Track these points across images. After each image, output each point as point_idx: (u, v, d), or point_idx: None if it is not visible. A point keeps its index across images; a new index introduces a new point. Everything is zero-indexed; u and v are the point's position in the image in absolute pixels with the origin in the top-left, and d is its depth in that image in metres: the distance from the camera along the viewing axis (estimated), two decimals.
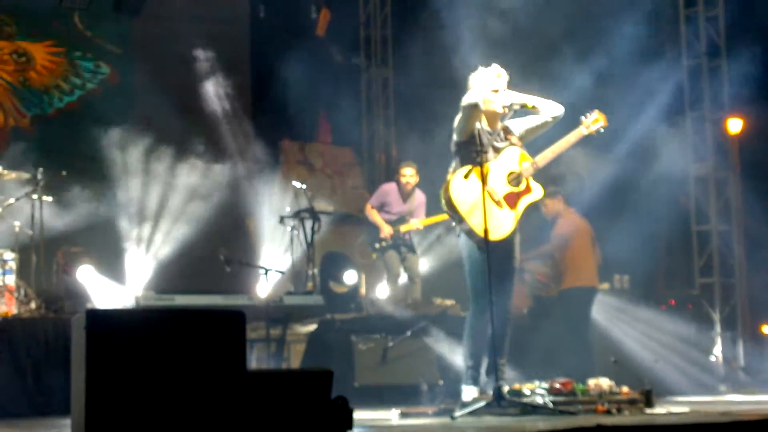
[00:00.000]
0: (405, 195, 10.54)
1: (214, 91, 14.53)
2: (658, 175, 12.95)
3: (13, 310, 8.69)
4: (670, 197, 13.09)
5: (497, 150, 7.02)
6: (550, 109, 7.16)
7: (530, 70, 7.68)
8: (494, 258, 6.74)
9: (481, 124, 7.04)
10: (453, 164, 7.14)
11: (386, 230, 10.33)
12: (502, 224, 6.87)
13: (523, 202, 7.03)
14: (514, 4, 12.40)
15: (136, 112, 14.28)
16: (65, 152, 12.16)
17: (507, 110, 6.96)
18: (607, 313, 10.60)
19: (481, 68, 7.08)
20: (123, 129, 13.55)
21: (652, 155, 13.04)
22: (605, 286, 10.75)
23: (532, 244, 10.13)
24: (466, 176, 6.81)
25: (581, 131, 7.24)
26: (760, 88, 12.70)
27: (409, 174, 10.55)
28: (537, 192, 7.15)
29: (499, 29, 12.25)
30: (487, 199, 6.80)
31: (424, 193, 10.60)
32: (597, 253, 10.41)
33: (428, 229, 10.97)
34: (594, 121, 7.26)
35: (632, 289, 11.16)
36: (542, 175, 7.32)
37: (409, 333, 9.24)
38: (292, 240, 11.03)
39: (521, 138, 7.15)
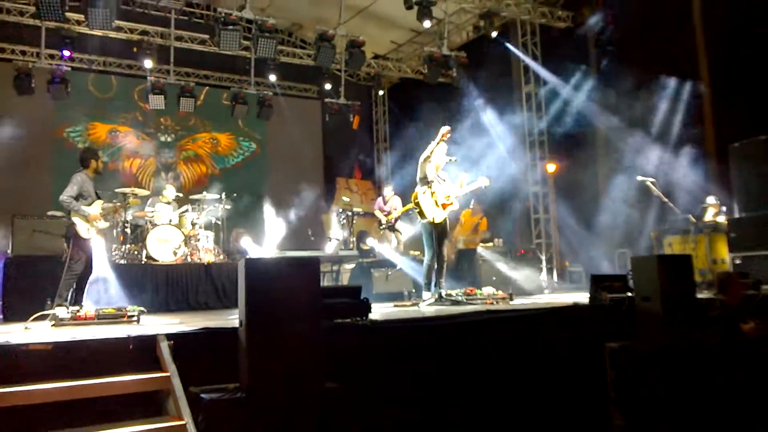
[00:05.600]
0: (387, 201, 10.45)
1: (305, 153, 14.78)
2: (516, 192, 12.93)
3: (212, 259, 8.71)
4: (522, 203, 13.06)
5: (440, 183, 7.03)
6: (471, 187, 7.03)
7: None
8: (437, 231, 6.79)
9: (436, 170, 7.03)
10: (419, 185, 7.12)
11: (383, 219, 10.32)
12: (440, 216, 6.90)
13: (449, 209, 7.04)
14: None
15: (270, 166, 14.47)
16: (236, 185, 12.23)
17: (449, 160, 6.97)
18: (493, 257, 10.50)
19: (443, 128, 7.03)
20: (263, 171, 13.78)
21: (514, 182, 13.01)
22: (491, 245, 10.71)
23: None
24: (424, 193, 6.84)
25: (478, 184, 7.20)
26: (567, 146, 12.64)
27: (387, 192, 10.44)
28: (456, 205, 7.10)
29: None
30: (435, 204, 6.81)
31: (398, 196, 10.53)
32: (484, 233, 10.37)
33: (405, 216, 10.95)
34: (482, 181, 7.20)
35: (504, 246, 11.11)
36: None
37: (398, 267, 9.24)
38: (342, 225, 11.08)
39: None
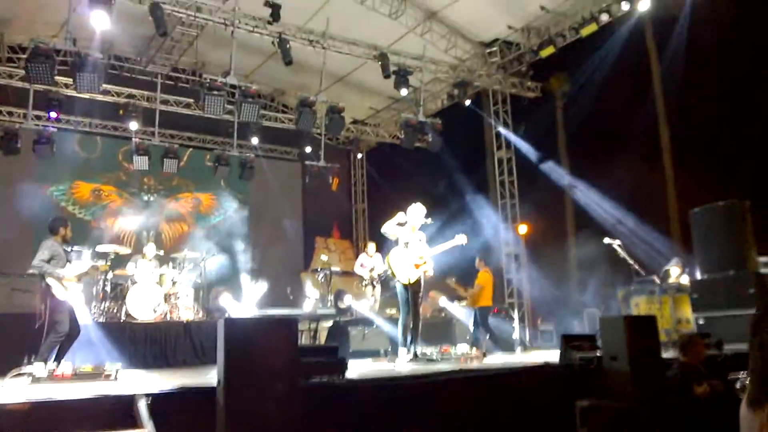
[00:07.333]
0: (369, 258, 10.49)
1: (285, 213, 14.81)
2: (492, 253, 13.05)
3: (191, 317, 8.61)
4: (496, 263, 13.16)
5: (415, 243, 7.11)
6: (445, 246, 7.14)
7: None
8: (412, 290, 6.82)
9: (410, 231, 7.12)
10: (394, 245, 7.19)
11: (366, 275, 10.33)
12: (414, 275, 6.95)
13: (422, 268, 7.07)
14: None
15: (250, 225, 14.53)
16: (216, 243, 12.16)
17: (425, 222, 7.06)
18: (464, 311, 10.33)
19: (414, 205, 7.16)
20: (244, 231, 13.85)
21: (489, 245, 13.15)
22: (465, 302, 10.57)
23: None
24: (397, 254, 6.91)
25: (455, 242, 7.30)
26: (534, 211, 12.92)
27: (370, 249, 10.50)
28: (429, 265, 7.03)
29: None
30: (408, 263, 6.87)
31: (379, 252, 10.53)
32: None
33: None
34: (460, 238, 7.31)
35: None
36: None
37: (375, 326, 9.21)
38: (321, 283, 11.03)
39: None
